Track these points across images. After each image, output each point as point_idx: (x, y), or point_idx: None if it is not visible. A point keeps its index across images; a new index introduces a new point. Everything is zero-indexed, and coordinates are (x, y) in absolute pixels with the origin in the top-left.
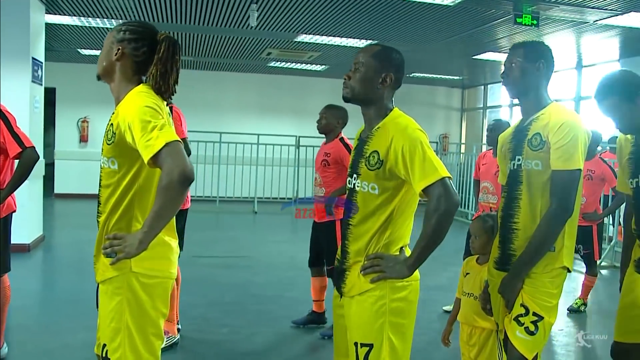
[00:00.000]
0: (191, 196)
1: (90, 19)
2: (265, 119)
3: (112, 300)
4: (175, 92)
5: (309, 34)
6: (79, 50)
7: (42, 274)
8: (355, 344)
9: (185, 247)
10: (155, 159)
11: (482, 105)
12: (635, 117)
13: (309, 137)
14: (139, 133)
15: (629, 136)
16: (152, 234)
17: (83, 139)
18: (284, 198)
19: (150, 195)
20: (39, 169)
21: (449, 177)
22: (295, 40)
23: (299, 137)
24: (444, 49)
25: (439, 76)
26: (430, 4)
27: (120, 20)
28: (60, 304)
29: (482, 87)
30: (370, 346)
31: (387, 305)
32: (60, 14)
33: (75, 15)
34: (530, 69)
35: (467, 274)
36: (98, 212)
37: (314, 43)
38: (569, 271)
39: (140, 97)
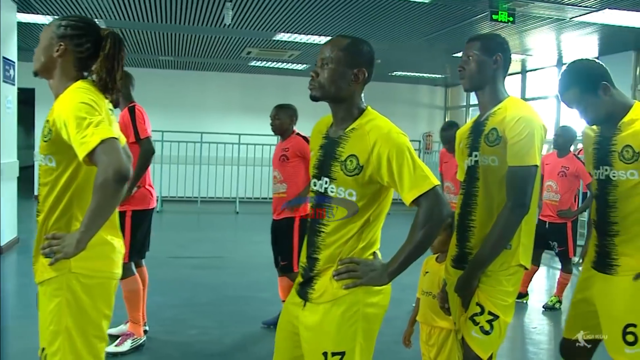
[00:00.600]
0: (172, 196)
1: None
2: (248, 118)
3: (51, 302)
4: (120, 89)
5: (287, 32)
6: None
7: (12, 277)
8: (325, 353)
9: (163, 248)
10: (90, 157)
11: (465, 104)
12: (598, 109)
13: None
14: (74, 130)
15: (594, 127)
16: (90, 234)
17: None
18: (265, 198)
19: (89, 193)
20: (13, 170)
21: (440, 186)
22: (274, 39)
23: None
24: (423, 46)
25: (421, 74)
26: (406, 0)
27: (97, 20)
28: (26, 309)
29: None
30: (342, 354)
31: (360, 311)
32: (35, 13)
33: (50, 15)
34: (487, 63)
35: (427, 272)
36: (37, 211)
37: (293, 42)
38: (526, 269)
39: (77, 93)
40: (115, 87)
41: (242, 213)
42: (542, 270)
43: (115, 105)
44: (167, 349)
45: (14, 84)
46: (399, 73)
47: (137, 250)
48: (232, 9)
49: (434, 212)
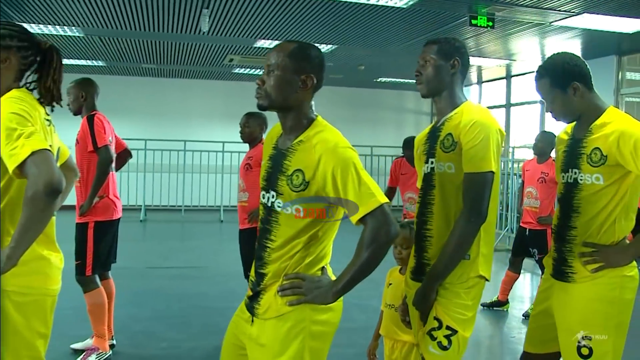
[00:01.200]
0: (156, 205)
1: (41, 25)
2: (232, 126)
3: None
4: (60, 99)
5: (267, 39)
6: None
7: None
8: None
9: (143, 258)
10: (20, 169)
11: None
12: (564, 106)
13: None
14: (3, 141)
15: (568, 130)
16: (21, 249)
17: None
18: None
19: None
20: None
21: (388, 203)
22: (255, 45)
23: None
24: (406, 52)
25: (407, 81)
26: (383, 6)
27: (74, 28)
28: None
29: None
30: None
31: (307, 329)
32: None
33: (27, 23)
34: (443, 67)
35: (390, 284)
36: None
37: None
38: (487, 280)
39: (9, 103)
40: (60, 98)
41: (227, 221)
42: (523, 277)
43: (76, 113)
44: None
45: None
46: (384, 79)
47: (101, 262)
48: (210, 16)
49: (380, 232)
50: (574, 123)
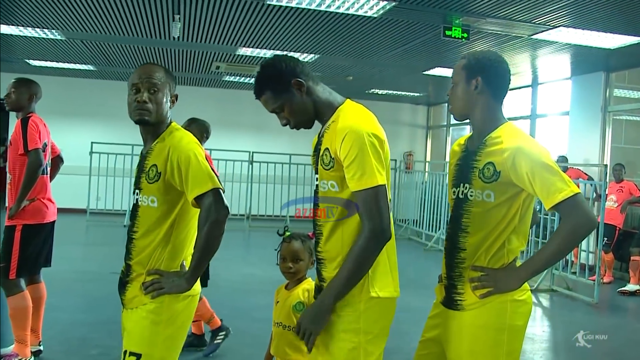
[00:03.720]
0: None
1: (21, 27)
2: (222, 134)
3: None
4: None
5: (249, 47)
6: (27, 61)
7: None
8: (125, 352)
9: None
10: None
11: (445, 123)
12: (463, 97)
13: (264, 152)
14: None
15: (461, 141)
16: None
17: None
18: (235, 215)
19: None
20: None
21: (222, 189)
22: (238, 53)
23: (252, 152)
24: (390, 64)
25: (402, 93)
26: (355, 15)
27: (55, 31)
28: None
29: (447, 104)
30: (138, 356)
31: (164, 316)
32: (3, 24)
33: (12, 25)
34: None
35: (277, 302)
36: None
37: (259, 57)
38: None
39: None
40: None
41: None
42: None
43: (14, 111)
44: None
45: None
46: (378, 91)
47: (28, 266)
48: (187, 23)
49: (211, 211)
50: (468, 135)
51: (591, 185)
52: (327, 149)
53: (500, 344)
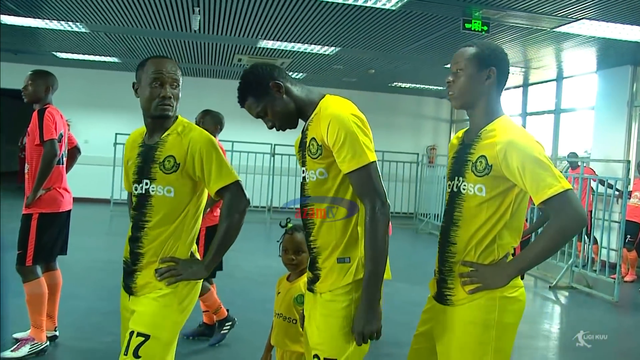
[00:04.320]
0: None
1: (47, 21)
2: (244, 126)
3: None
4: None
5: (270, 39)
6: (54, 53)
7: None
8: (132, 332)
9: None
10: None
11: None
12: (471, 85)
13: (285, 145)
14: None
15: (459, 134)
16: None
17: None
18: (257, 207)
19: None
20: None
21: (240, 181)
22: (259, 46)
23: (274, 145)
24: (410, 57)
25: (425, 86)
26: (373, 8)
27: (79, 24)
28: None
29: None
30: (147, 337)
31: (175, 301)
32: (16, 16)
33: (33, 18)
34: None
35: (278, 293)
36: None
37: (279, 49)
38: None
39: None
40: None
41: None
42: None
43: (32, 102)
44: (68, 355)
45: None
46: (401, 84)
47: (44, 253)
48: (206, 15)
49: (234, 201)
50: (465, 129)
51: (614, 181)
52: (313, 138)
53: (488, 341)
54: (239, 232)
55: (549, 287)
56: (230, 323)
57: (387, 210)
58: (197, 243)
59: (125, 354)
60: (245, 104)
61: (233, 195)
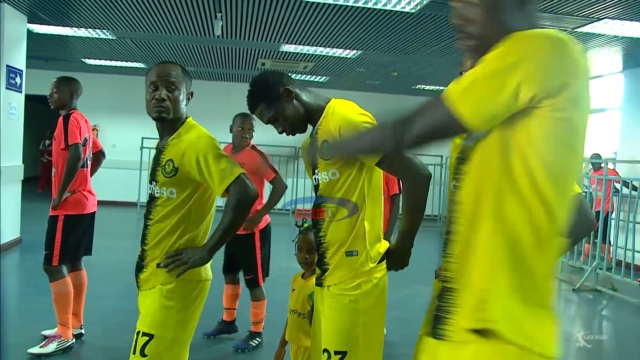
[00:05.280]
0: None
1: (75, 28)
2: (268, 128)
3: None
4: None
5: (292, 43)
6: (82, 60)
7: (10, 275)
8: (138, 332)
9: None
10: None
11: None
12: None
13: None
14: None
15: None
16: None
17: None
18: (281, 210)
19: None
20: (17, 173)
21: (244, 173)
22: (282, 50)
23: (298, 148)
24: (431, 60)
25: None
26: (393, 11)
27: (106, 31)
28: (24, 304)
29: None
30: (151, 337)
31: (175, 300)
32: (46, 24)
33: (61, 26)
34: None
35: (293, 290)
36: None
37: (302, 53)
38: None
39: None
40: None
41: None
42: None
43: (58, 109)
44: (93, 352)
45: (20, 92)
46: (424, 87)
47: (69, 254)
48: (230, 20)
49: (241, 193)
50: None
51: (638, 183)
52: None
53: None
54: (244, 221)
55: (572, 289)
56: (260, 340)
57: (425, 181)
58: None
59: (134, 353)
60: (257, 110)
61: (239, 189)
